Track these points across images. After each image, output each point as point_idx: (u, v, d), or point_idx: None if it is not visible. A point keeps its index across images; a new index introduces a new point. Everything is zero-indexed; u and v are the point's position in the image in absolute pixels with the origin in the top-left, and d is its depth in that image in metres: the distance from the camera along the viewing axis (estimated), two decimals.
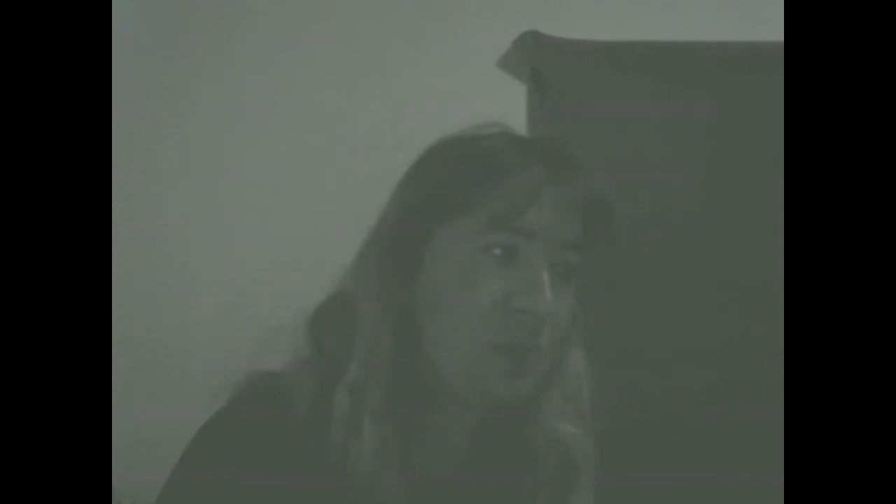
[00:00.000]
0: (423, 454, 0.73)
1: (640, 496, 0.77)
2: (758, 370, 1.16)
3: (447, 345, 0.70)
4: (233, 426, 0.72)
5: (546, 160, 0.71)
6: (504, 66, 1.32)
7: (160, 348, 1.19)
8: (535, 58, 1.29)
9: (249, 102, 1.28)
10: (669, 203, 1.26)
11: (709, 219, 1.26)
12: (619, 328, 1.22)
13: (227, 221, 1.26)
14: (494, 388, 0.69)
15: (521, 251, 0.70)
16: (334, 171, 1.23)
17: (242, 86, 1.29)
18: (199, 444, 0.73)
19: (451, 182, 0.71)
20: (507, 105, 1.30)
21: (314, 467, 0.69)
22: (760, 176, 1.20)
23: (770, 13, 1.01)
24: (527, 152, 0.71)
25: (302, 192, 1.25)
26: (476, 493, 0.74)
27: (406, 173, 0.76)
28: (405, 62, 1.30)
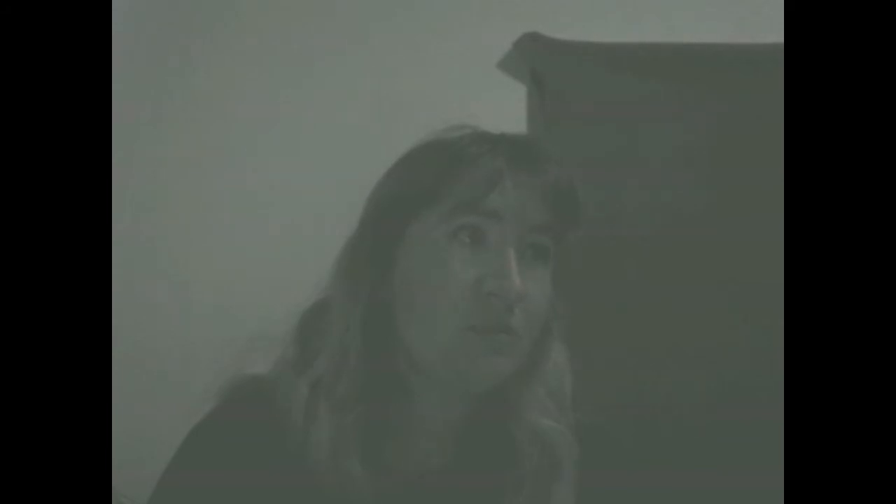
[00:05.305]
0: (404, 446, 0.75)
1: (639, 496, 0.78)
2: (757, 370, 1.16)
3: (422, 331, 0.72)
4: (220, 429, 0.74)
5: (509, 150, 0.73)
6: (504, 68, 1.32)
7: (160, 348, 1.19)
8: (536, 59, 1.30)
9: (249, 102, 1.29)
10: (669, 203, 1.26)
11: (709, 218, 1.26)
12: (619, 328, 1.22)
13: (227, 221, 1.26)
14: (472, 368, 0.70)
15: (489, 234, 0.71)
16: (335, 172, 1.23)
17: (242, 86, 1.29)
18: (188, 447, 0.75)
19: (418, 177, 0.73)
20: (508, 106, 1.30)
21: (296, 467, 0.71)
22: (760, 176, 1.21)
23: (770, 13, 1.01)
24: (490, 144, 0.73)
25: (302, 193, 1.25)
26: (459, 486, 0.74)
27: (380, 180, 0.78)
28: (406, 64, 1.30)
